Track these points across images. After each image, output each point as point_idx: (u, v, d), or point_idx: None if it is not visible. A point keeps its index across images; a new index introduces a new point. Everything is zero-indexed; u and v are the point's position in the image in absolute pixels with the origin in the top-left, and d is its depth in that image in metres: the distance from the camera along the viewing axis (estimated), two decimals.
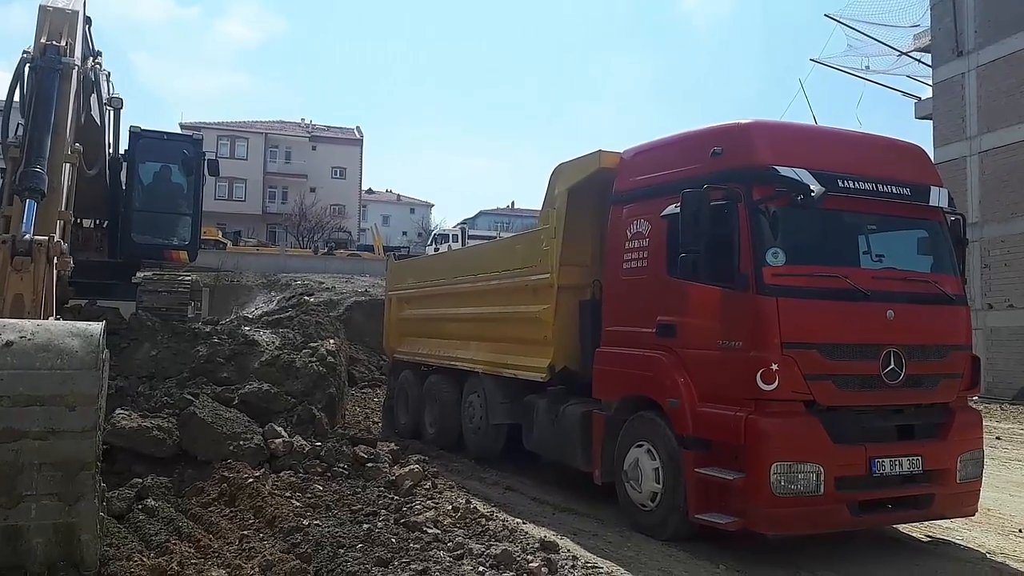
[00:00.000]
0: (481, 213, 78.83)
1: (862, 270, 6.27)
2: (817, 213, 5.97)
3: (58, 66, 5.84)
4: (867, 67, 29.62)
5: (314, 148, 65.75)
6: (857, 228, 6.50)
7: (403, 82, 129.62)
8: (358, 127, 69.39)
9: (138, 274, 12.66)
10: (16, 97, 6.33)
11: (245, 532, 5.60)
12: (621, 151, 7.57)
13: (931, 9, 26.40)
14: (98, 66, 7.25)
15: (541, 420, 8.15)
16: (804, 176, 5.89)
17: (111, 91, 10.35)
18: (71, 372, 4.12)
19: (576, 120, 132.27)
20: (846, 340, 5.94)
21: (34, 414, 4.05)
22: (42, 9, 6.23)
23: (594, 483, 7.25)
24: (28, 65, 5.91)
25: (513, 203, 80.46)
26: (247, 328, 10.80)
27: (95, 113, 7.25)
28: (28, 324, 4.28)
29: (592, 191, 7.80)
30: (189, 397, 7.85)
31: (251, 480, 6.59)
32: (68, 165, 6.04)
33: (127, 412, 7.46)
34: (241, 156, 61.27)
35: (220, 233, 45.20)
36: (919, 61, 28.68)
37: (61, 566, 4.23)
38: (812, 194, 5.82)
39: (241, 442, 7.38)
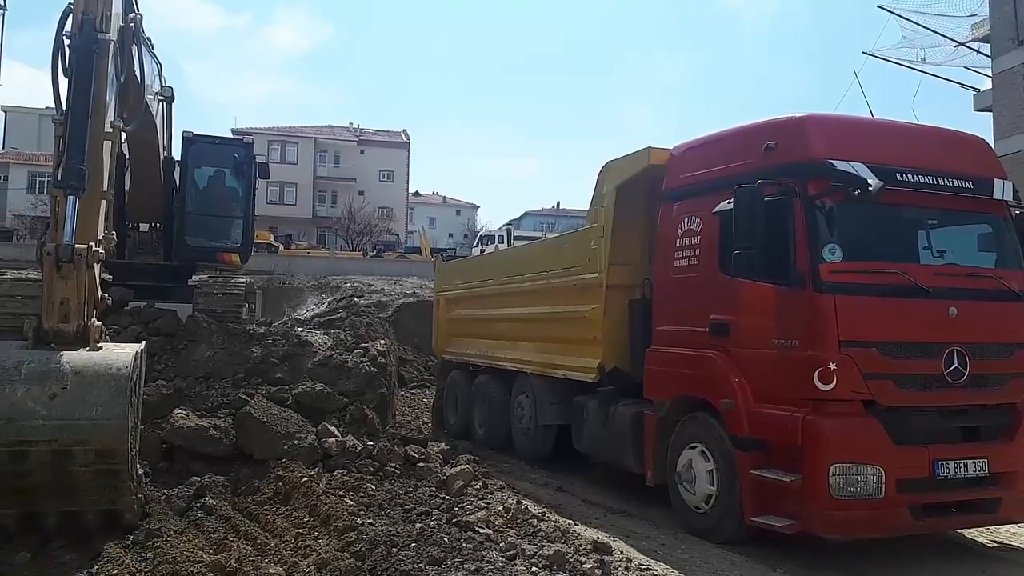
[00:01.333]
0: (526, 214, 78.77)
1: (923, 266, 6.10)
2: (875, 208, 5.80)
3: (94, 45, 5.99)
4: (923, 59, 28.71)
5: (362, 152, 66.51)
6: (917, 223, 6.33)
7: (448, 84, 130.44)
8: (404, 130, 69.98)
9: (194, 277, 12.96)
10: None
11: (300, 530, 5.69)
12: (671, 147, 7.48)
13: None
14: (139, 16, 7.36)
15: (591, 421, 8.10)
16: (861, 170, 5.74)
17: (163, 82, 10.57)
18: (103, 423, 4.94)
19: (623, 119, 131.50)
20: (907, 338, 5.78)
21: (77, 453, 4.95)
22: None
23: (646, 485, 7.17)
24: (67, 43, 6.06)
25: (559, 203, 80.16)
26: (300, 329, 10.97)
27: (136, 68, 7.41)
28: (68, 369, 4.98)
29: (641, 188, 7.73)
30: (244, 397, 7.99)
31: (305, 479, 6.69)
32: (108, 143, 6.22)
33: (185, 412, 7.63)
34: (291, 161, 62.24)
35: (272, 236, 45.97)
36: (977, 52, 27.73)
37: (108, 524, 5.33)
38: (870, 188, 5.66)
39: (295, 441, 7.49)
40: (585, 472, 8.75)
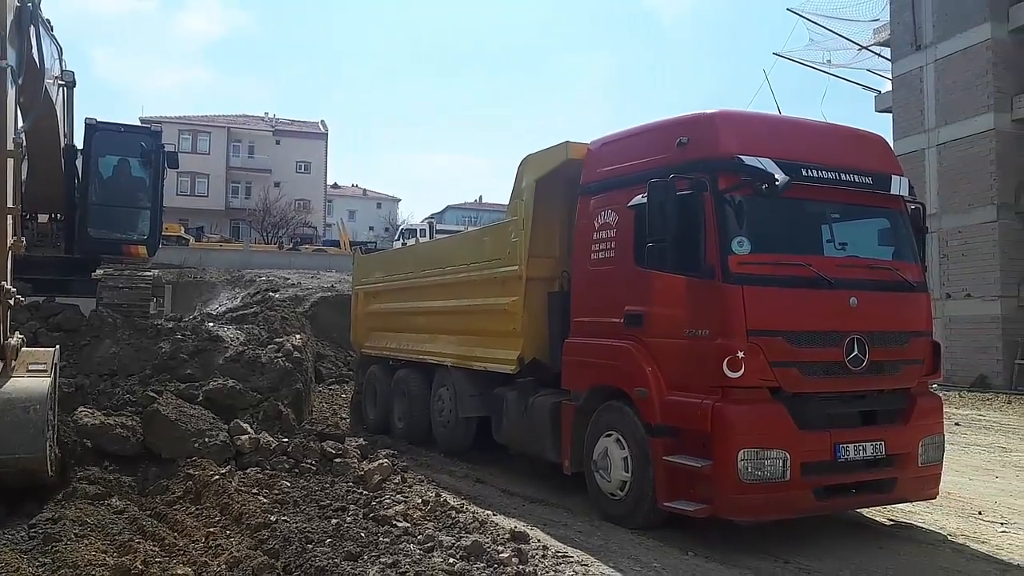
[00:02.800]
0: (449, 207, 78.52)
1: (826, 258, 6.33)
2: (781, 202, 6.00)
3: None
4: (829, 61, 30.11)
5: (278, 142, 64.99)
6: (821, 216, 6.56)
7: (369, 76, 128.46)
8: (323, 121, 68.72)
9: (98, 270, 12.43)
10: None
11: (211, 529, 5.53)
12: (588, 142, 7.57)
13: (890, 4, 26.87)
14: None
15: (511, 412, 8.15)
16: (768, 165, 5.93)
17: (63, 66, 10.08)
18: (25, 458, 5.70)
19: (544, 114, 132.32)
20: (810, 327, 5.99)
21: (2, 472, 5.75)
22: None
23: (563, 474, 7.26)
24: None
25: (481, 197, 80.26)
26: (211, 324, 10.66)
27: (34, 52, 7.06)
28: None
29: (560, 182, 7.79)
30: (152, 395, 7.73)
31: (217, 477, 6.52)
32: (11, 160, 6.01)
33: (90, 410, 7.32)
34: (203, 151, 60.38)
35: (182, 229, 44.55)
36: (879, 55, 29.20)
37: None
38: (776, 183, 5.85)
39: (206, 439, 7.28)
40: (505, 463, 8.80)
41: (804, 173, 6.10)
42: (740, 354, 5.68)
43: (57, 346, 6.68)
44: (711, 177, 5.98)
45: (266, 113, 68.36)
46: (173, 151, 13.31)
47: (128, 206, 12.83)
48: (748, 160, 5.95)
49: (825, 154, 6.39)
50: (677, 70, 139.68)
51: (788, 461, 5.70)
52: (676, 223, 5.91)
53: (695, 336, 6.00)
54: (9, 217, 6.10)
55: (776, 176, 5.87)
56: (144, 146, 12.65)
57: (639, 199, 6.28)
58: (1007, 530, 6.79)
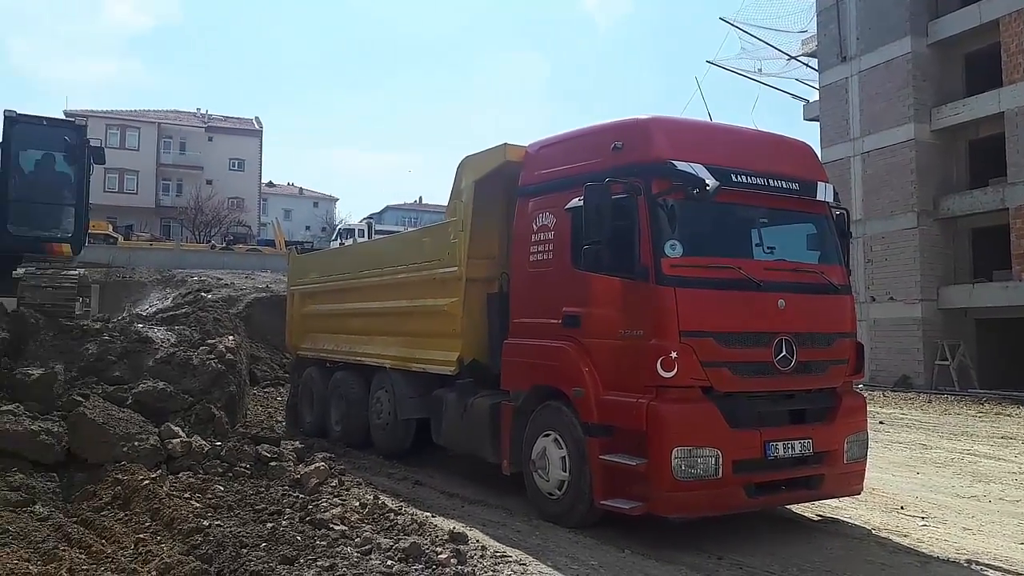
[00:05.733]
0: (388, 208, 77.88)
1: (755, 261, 6.52)
2: (712, 206, 6.15)
3: None
4: (759, 70, 31.00)
5: (210, 139, 63.41)
6: (750, 221, 6.75)
7: (307, 72, 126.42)
8: (257, 118, 67.30)
9: (19, 268, 11.95)
10: None
11: (141, 536, 5.40)
12: (526, 145, 7.64)
13: (817, 16, 27.81)
14: None
15: (450, 413, 8.15)
16: (700, 171, 6.07)
17: None
18: None
19: (485, 118, 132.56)
20: (740, 328, 6.16)
21: None
22: None
23: (503, 474, 7.30)
24: None
25: (421, 198, 79.98)
26: (141, 325, 10.37)
27: None
28: None
29: (499, 184, 7.83)
30: (78, 398, 7.47)
31: (147, 482, 6.35)
32: None
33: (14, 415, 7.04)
34: (132, 146, 58.47)
35: (111, 227, 43.10)
36: (807, 66, 30.18)
37: None
38: (707, 188, 6.01)
39: (136, 443, 7.09)
40: (444, 465, 8.80)
41: (734, 179, 6.27)
42: (673, 354, 5.80)
43: None
44: (645, 181, 6.10)
45: (198, 109, 66.70)
46: (99, 146, 12.83)
47: (51, 203, 12.36)
48: (680, 165, 6.09)
49: (754, 160, 6.57)
50: (613, 74, 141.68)
51: (720, 459, 5.84)
52: (611, 226, 6.02)
53: (630, 337, 6.11)
54: None
55: (707, 181, 6.03)
56: (68, 140, 12.18)
57: (576, 202, 6.37)
58: (927, 524, 7.09)
